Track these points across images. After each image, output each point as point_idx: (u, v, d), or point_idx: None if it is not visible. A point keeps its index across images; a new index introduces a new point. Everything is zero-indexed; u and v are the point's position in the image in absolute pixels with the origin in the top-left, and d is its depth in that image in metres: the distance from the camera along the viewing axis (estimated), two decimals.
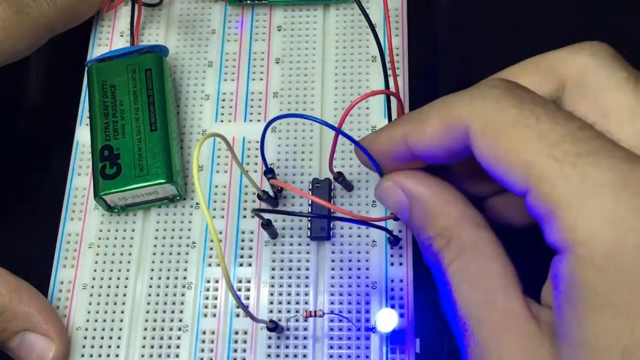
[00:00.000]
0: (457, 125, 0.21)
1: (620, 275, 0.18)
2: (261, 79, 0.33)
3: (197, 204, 0.30)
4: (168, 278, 0.29)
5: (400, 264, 0.29)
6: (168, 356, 0.28)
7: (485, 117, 0.20)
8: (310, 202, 0.30)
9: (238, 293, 0.29)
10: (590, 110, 0.21)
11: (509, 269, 0.21)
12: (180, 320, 0.28)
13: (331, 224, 0.29)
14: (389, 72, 0.29)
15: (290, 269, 0.29)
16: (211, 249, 0.30)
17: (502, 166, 0.20)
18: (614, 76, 0.22)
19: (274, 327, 0.27)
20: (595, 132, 0.19)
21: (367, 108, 0.31)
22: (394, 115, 0.29)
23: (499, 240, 0.22)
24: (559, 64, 0.23)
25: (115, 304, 0.29)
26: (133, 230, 0.30)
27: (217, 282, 0.29)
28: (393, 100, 0.29)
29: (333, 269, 0.29)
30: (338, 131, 0.25)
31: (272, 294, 0.29)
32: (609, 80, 0.22)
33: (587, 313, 0.18)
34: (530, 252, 0.23)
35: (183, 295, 0.29)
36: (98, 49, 0.34)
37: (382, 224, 0.28)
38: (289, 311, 0.28)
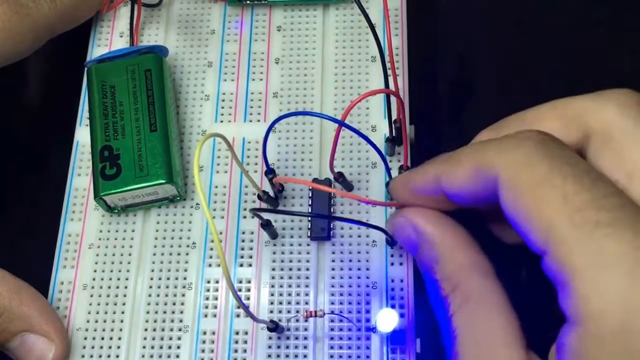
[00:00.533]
0: (488, 173, 0.21)
1: (628, 357, 0.17)
2: (261, 79, 0.33)
3: (197, 204, 0.30)
4: (168, 278, 0.29)
5: (401, 264, 0.28)
6: (168, 357, 0.28)
7: (514, 170, 0.20)
8: (310, 203, 0.30)
9: (238, 293, 0.29)
10: (613, 167, 0.21)
11: (513, 322, 0.21)
12: (181, 321, 0.28)
13: (331, 224, 0.29)
14: (389, 72, 0.29)
15: (290, 269, 0.29)
16: (211, 249, 0.30)
17: (524, 223, 0.20)
18: None
19: (274, 327, 0.27)
20: (621, 200, 0.19)
21: (367, 108, 0.31)
22: (394, 115, 0.29)
23: (504, 291, 0.22)
24: (584, 114, 0.22)
25: (115, 304, 0.29)
26: (133, 231, 0.30)
27: (217, 282, 0.29)
28: (393, 100, 0.29)
29: (333, 269, 0.29)
30: (345, 125, 0.25)
31: (272, 294, 0.29)
32: (636, 136, 0.21)
33: None
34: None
35: (183, 295, 0.29)
36: (98, 49, 0.34)
37: (383, 220, 0.28)
38: (289, 311, 0.28)
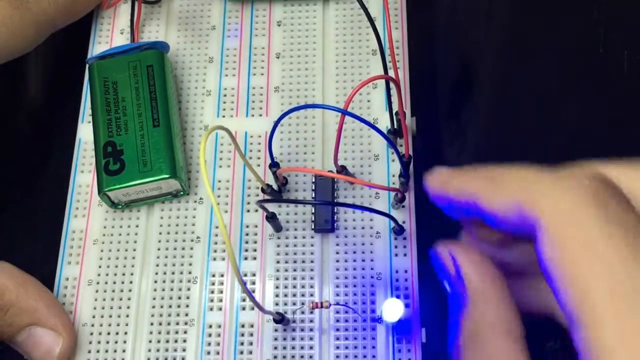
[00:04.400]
0: (529, 211, 0.19)
1: None
2: (262, 74, 0.33)
3: (200, 198, 0.30)
4: (173, 273, 0.29)
5: (405, 254, 0.29)
6: (175, 350, 0.28)
7: (558, 220, 0.18)
8: (313, 196, 0.30)
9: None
10: None
11: None
12: (186, 315, 0.29)
13: (335, 216, 0.29)
14: (390, 65, 0.29)
15: (295, 262, 0.29)
16: (216, 243, 0.30)
17: (559, 279, 0.18)
18: None
19: (280, 319, 0.27)
20: None
21: (369, 101, 0.32)
22: (395, 107, 0.29)
23: (528, 354, 0.21)
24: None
25: (120, 299, 0.29)
26: (137, 226, 0.30)
27: (222, 276, 0.29)
28: (394, 93, 0.29)
29: (338, 261, 0.29)
30: (349, 114, 0.25)
31: (277, 287, 0.29)
32: None
33: None
34: None
35: (188, 289, 0.29)
36: (98, 46, 0.34)
37: (386, 211, 0.28)
38: (294, 304, 0.28)
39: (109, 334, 0.28)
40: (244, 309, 0.28)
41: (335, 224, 0.29)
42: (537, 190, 0.19)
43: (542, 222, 0.19)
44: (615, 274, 0.17)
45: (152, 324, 0.28)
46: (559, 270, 0.18)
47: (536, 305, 0.25)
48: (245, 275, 0.29)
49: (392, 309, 0.27)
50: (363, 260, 0.29)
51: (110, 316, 0.29)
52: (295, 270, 0.29)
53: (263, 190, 0.30)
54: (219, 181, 0.31)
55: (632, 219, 0.18)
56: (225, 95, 0.32)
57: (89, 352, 0.28)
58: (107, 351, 0.28)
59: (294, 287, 0.29)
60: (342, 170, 0.30)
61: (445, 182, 0.23)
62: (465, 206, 0.22)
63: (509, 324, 0.21)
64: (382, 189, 0.28)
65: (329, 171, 0.30)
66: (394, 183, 0.30)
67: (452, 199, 0.23)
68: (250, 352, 0.28)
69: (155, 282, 0.29)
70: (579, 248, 0.18)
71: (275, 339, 0.28)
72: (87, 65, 0.32)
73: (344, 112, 0.25)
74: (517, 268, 0.24)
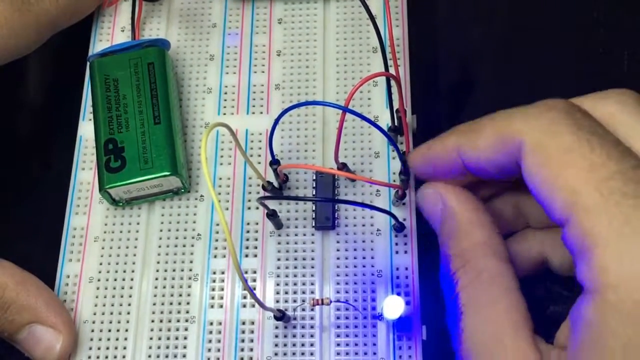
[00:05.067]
0: (511, 140, 0.21)
1: None
2: (263, 72, 0.33)
3: (201, 196, 0.30)
4: (174, 270, 0.29)
5: (405, 252, 0.29)
6: (176, 347, 0.28)
7: (540, 136, 0.20)
8: (314, 194, 0.30)
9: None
10: None
11: (521, 306, 0.21)
12: (187, 312, 0.29)
13: (336, 213, 0.29)
14: (390, 62, 0.29)
15: (295, 259, 0.29)
16: (217, 240, 0.30)
17: (548, 189, 0.20)
18: None
19: (281, 316, 0.27)
20: None
21: (369, 99, 0.32)
22: (396, 105, 0.29)
23: (515, 274, 0.22)
24: (589, 111, 0.22)
25: (122, 296, 0.29)
26: (138, 224, 0.30)
27: (223, 273, 0.29)
28: (395, 90, 0.29)
29: (338, 258, 0.29)
30: (349, 111, 0.25)
31: (278, 284, 0.29)
32: (636, 129, 0.21)
33: None
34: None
35: (189, 287, 0.29)
36: (99, 44, 0.34)
37: (386, 208, 0.28)
38: (295, 301, 0.28)
39: (109, 331, 0.28)
40: (244, 306, 0.28)
41: (335, 222, 0.29)
42: (515, 119, 0.21)
43: (524, 143, 0.21)
44: (597, 170, 0.19)
45: (152, 321, 0.29)
46: (546, 179, 0.20)
47: (531, 256, 0.26)
48: (246, 272, 0.29)
49: (393, 306, 0.26)
50: (364, 258, 0.29)
51: (111, 313, 0.29)
52: (295, 267, 0.29)
53: (264, 188, 0.30)
54: (220, 178, 0.31)
55: (602, 128, 0.20)
56: (226, 93, 0.32)
57: (90, 349, 0.28)
58: (107, 348, 0.28)
59: (295, 284, 0.29)
60: (343, 167, 0.30)
61: (427, 149, 0.25)
62: (450, 163, 0.24)
63: (496, 245, 0.23)
64: (383, 185, 0.28)
65: (329, 168, 0.30)
66: (394, 180, 0.30)
67: (436, 163, 0.24)
68: (251, 350, 0.28)
69: (156, 279, 0.29)
70: (562, 153, 0.20)
71: (276, 336, 0.28)
72: (88, 63, 0.32)
73: (345, 110, 0.25)
74: (506, 226, 0.26)
